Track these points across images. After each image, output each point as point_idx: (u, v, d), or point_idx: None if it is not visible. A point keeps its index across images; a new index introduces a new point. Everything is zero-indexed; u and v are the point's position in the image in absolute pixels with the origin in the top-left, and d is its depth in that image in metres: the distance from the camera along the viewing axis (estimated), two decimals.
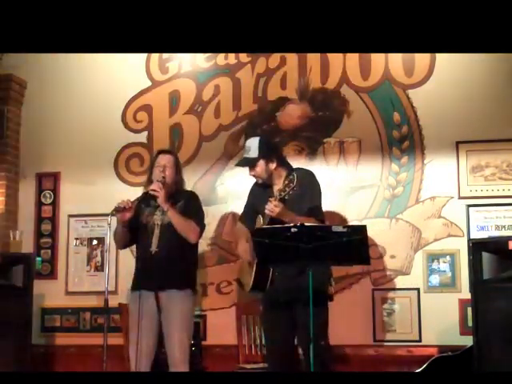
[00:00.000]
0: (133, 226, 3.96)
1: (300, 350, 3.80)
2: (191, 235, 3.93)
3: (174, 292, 3.86)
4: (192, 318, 4.00)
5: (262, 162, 3.86)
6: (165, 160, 4.03)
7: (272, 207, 3.58)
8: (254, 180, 3.94)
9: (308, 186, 3.78)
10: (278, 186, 3.81)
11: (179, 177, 4.09)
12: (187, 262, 3.99)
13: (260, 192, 3.95)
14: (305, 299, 3.39)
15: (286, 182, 3.61)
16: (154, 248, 3.90)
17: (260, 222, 3.80)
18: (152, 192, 3.88)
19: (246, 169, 3.96)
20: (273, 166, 3.87)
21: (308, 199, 3.77)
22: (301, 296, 3.43)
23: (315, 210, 3.78)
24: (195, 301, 4.03)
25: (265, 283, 3.72)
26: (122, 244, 4.14)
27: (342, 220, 4.76)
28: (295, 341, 3.81)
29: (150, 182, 4.04)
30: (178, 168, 4.08)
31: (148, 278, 3.86)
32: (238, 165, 4.01)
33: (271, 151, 3.91)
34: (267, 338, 3.98)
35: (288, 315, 3.69)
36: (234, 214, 5.00)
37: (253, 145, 3.88)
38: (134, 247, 4.17)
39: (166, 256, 3.87)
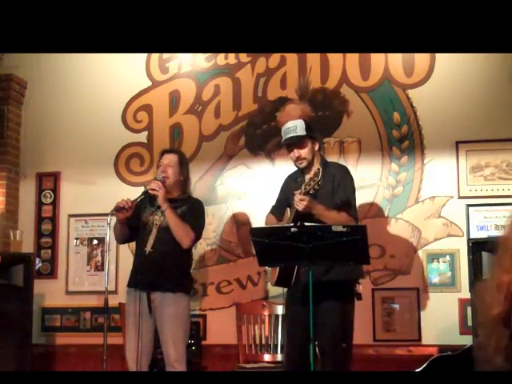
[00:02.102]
0: (133, 224, 3.96)
1: (317, 349, 3.74)
2: (184, 239, 3.89)
3: (166, 294, 3.85)
4: (187, 317, 3.97)
5: (309, 141, 3.74)
6: (168, 159, 4.03)
7: (298, 201, 3.48)
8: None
9: (340, 180, 3.69)
10: (309, 175, 3.71)
11: (184, 176, 4.07)
12: (180, 265, 3.96)
13: (292, 184, 3.86)
14: (328, 297, 3.38)
15: (311, 176, 3.49)
16: (148, 248, 3.89)
17: (287, 214, 3.73)
18: (151, 191, 3.88)
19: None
20: (316, 147, 3.78)
21: (340, 194, 3.68)
22: (325, 293, 3.39)
23: (346, 205, 3.67)
24: (189, 301, 4.00)
25: (289, 279, 3.63)
26: (120, 239, 4.13)
27: None
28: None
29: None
30: (182, 167, 4.06)
31: (142, 277, 3.86)
32: (287, 141, 3.76)
33: (315, 133, 3.82)
34: (287, 333, 3.89)
35: (309, 312, 3.62)
36: (234, 214, 5.01)
37: (298, 125, 3.72)
38: (133, 246, 4.18)
39: (159, 257, 3.87)
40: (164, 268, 3.86)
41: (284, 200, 3.92)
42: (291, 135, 3.71)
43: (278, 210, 3.95)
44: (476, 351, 1.47)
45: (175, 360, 3.82)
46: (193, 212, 4.00)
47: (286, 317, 3.95)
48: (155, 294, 3.85)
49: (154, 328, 3.89)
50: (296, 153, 3.73)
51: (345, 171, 3.79)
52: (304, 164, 3.75)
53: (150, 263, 3.86)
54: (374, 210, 4.81)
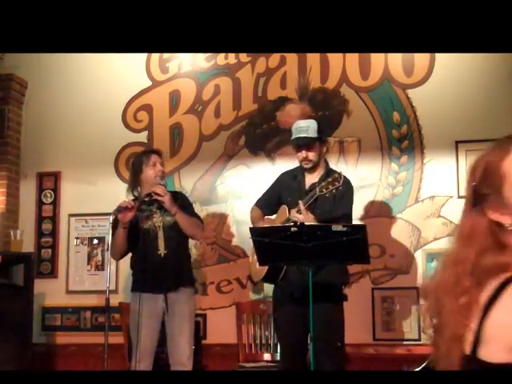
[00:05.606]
0: (129, 232, 3.91)
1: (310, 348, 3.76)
2: (199, 232, 4.04)
3: (181, 290, 3.89)
4: (194, 316, 4.07)
5: (318, 144, 3.75)
6: (159, 161, 4.04)
7: (297, 215, 3.50)
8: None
9: (344, 193, 3.64)
10: (310, 178, 3.78)
11: (165, 177, 4.17)
12: (189, 260, 4.08)
13: (289, 181, 3.88)
14: (319, 297, 3.39)
15: (330, 180, 3.47)
16: (162, 251, 3.90)
17: (285, 212, 3.73)
18: (157, 197, 3.86)
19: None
20: (324, 150, 3.85)
21: (342, 207, 3.69)
22: (316, 293, 3.41)
23: (345, 219, 3.66)
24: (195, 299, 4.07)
25: (278, 275, 3.68)
26: (119, 252, 3.99)
27: None
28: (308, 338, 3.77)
29: (135, 182, 4.01)
30: (164, 168, 4.15)
31: (157, 280, 3.86)
32: (296, 141, 3.74)
33: (325, 135, 3.88)
34: (280, 334, 3.92)
35: (302, 312, 3.58)
36: (233, 214, 5.02)
37: (311, 125, 3.73)
38: None
39: (173, 257, 3.91)
40: (181, 265, 3.94)
41: (275, 195, 3.94)
42: (302, 135, 3.71)
43: (264, 204, 3.97)
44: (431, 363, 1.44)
45: (187, 358, 3.86)
46: (187, 204, 4.08)
47: (276, 318, 3.95)
48: (170, 293, 3.88)
49: (160, 327, 3.91)
50: (304, 154, 3.74)
51: (348, 183, 3.72)
52: (310, 165, 3.77)
53: (166, 265, 3.88)
54: (374, 210, 4.81)
